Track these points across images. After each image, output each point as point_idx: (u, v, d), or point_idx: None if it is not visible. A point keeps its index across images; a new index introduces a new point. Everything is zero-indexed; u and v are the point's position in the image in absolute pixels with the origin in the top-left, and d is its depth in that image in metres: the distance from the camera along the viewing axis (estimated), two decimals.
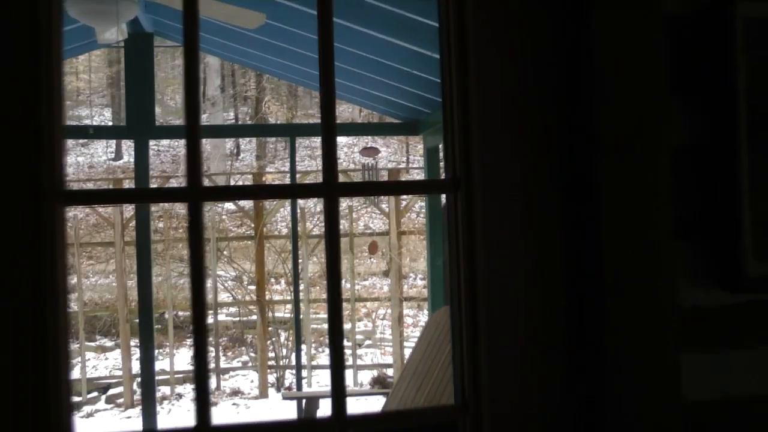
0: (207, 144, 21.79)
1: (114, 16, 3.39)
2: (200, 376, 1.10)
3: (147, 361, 6.18)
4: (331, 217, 1.33)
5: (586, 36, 1.17)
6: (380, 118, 13.70)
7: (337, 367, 1.20)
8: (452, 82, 1.24)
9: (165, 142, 22.57)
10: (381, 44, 4.95)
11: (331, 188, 1.29)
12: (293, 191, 1.34)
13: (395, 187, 1.31)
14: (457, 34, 1.22)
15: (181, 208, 17.89)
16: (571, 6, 1.21)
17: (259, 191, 1.32)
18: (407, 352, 9.11)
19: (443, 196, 7.97)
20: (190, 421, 1.02)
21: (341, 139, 21.27)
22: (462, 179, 1.25)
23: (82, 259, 13.04)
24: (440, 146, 6.91)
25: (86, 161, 22.04)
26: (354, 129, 12.66)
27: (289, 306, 9.92)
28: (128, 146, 17.00)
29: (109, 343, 10.82)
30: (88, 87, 23.87)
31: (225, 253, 10.85)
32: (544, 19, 1.23)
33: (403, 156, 21.33)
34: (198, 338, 1.18)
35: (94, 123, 21.87)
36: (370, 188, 1.35)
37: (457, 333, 1.22)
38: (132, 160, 6.61)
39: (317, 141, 21.47)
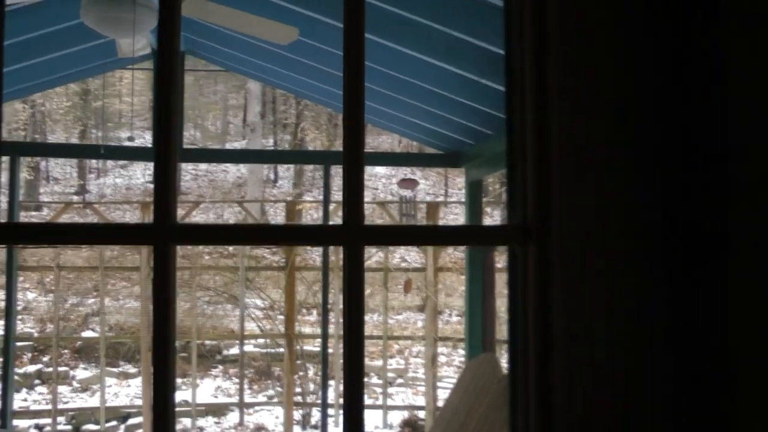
0: (243, 168, 21.67)
1: (130, 25, 3.07)
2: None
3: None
4: (353, 269, 0.96)
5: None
6: (420, 149, 13.36)
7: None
8: (525, 104, 1.00)
9: (203, 166, 22.49)
10: (423, 67, 4.59)
11: (353, 234, 0.94)
12: (301, 234, 0.96)
13: (438, 234, 1.00)
14: (535, 43, 0.98)
15: None
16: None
17: (247, 233, 0.93)
18: (440, 394, 8.68)
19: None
20: None
21: (380, 170, 20.98)
22: (534, 228, 0.98)
23: (110, 279, 12.81)
24: (483, 180, 6.51)
25: (124, 183, 21.99)
26: (391, 159, 12.27)
27: (319, 340, 9.55)
28: None
29: (132, 370, 10.50)
30: (131, 110, 23.91)
31: (254, 282, 10.51)
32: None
33: (442, 189, 20.98)
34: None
35: (134, 145, 21.82)
36: (403, 236, 1.00)
37: (522, 406, 1.01)
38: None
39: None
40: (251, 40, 5.39)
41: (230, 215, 18.05)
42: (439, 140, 6.38)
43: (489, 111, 4.93)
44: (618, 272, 0.96)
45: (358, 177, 1.00)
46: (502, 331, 9.86)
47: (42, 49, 5.32)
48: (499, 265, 6.98)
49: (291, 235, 1.00)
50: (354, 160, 1.00)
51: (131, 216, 16.87)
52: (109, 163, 22.29)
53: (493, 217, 17.36)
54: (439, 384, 8.89)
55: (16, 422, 8.26)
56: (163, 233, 0.98)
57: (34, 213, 17.24)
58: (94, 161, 22.09)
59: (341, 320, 9.78)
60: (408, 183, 8.66)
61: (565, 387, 0.95)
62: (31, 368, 10.33)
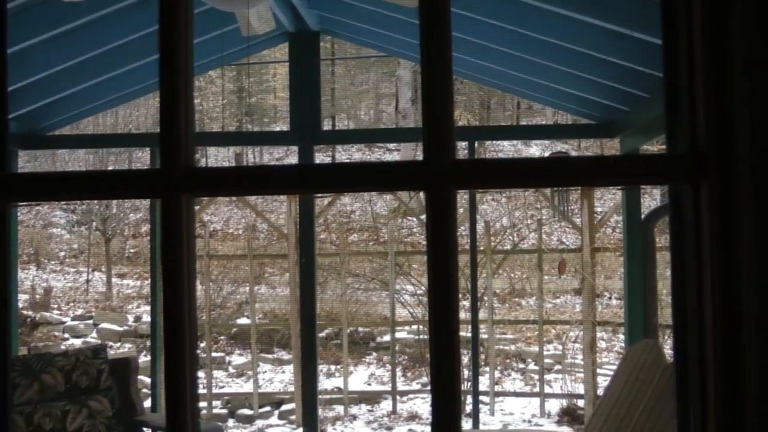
0: (397, 155, 21.62)
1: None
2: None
3: (309, 378, 5.69)
4: (438, 222, 0.69)
5: None
6: (574, 122, 12.79)
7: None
8: None
9: (356, 155, 22.60)
10: (569, 25, 4.20)
11: (438, 173, 0.67)
12: (362, 176, 0.67)
13: (556, 171, 0.74)
14: None
15: (357, 221, 17.73)
16: None
17: (286, 177, 0.66)
18: (600, 381, 8.21)
19: (645, 207, 7.06)
20: None
21: (534, 150, 20.41)
22: (710, 156, 0.71)
23: (259, 267, 12.99)
24: (640, 150, 6.02)
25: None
26: (541, 131, 11.74)
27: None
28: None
29: (286, 356, 10.56)
30: (285, 105, 24.35)
31: (404, 268, 10.33)
32: None
33: None
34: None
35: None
36: (508, 173, 0.72)
37: (697, 394, 0.76)
38: None
39: (509, 147, 20.74)
40: (386, 12, 5.16)
41: (384, 203, 18.01)
42: (591, 109, 5.94)
43: (643, 70, 4.47)
44: None
45: (445, 90, 0.71)
46: (664, 315, 9.26)
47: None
48: (659, 244, 6.46)
49: (348, 177, 0.72)
50: (439, 64, 0.71)
51: (281, 206, 17.10)
52: (266, 156, 22.80)
53: (653, 195, 16.51)
54: (598, 371, 8.42)
55: None
56: (170, 183, 0.72)
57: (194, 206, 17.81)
58: (251, 156, 22.64)
59: (495, 304, 9.47)
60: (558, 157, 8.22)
61: (759, 370, 0.69)
62: None
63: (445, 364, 0.69)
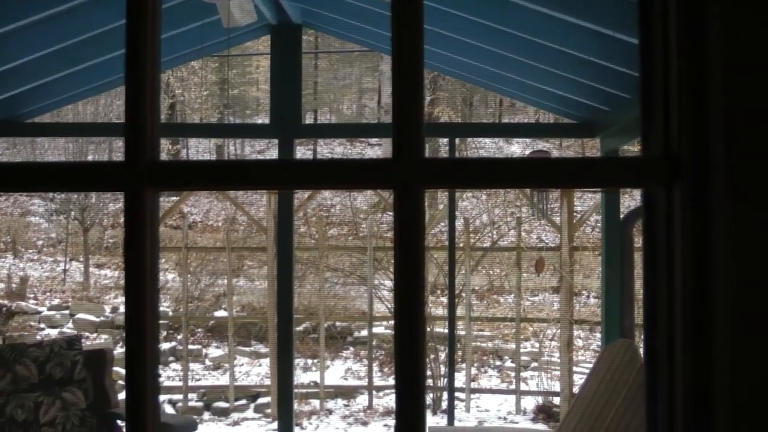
0: (379, 150, 21.61)
1: None
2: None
3: (285, 372, 5.67)
4: (406, 222, 0.68)
5: None
6: (554, 119, 12.83)
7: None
8: None
9: (339, 149, 22.54)
10: (552, 25, 4.20)
11: (406, 171, 0.67)
12: (331, 173, 0.66)
13: (529, 171, 0.72)
14: None
15: (337, 215, 17.70)
16: None
17: (255, 171, 0.65)
18: (576, 379, 8.24)
19: (624, 207, 7.08)
20: None
21: (515, 149, 20.46)
22: (684, 159, 0.71)
23: (238, 260, 12.94)
24: (619, 150, 6.04)
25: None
26: (523, 130, 11.76)
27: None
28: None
29: (263, 350, 10.54)
30: (267, 97, 24.27)
31: (383, 263, 10.31)
32: None
33: None
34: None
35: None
36: (479, 173, 0.71)
37: (665, 396, 0.75)
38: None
39: (491, 145, 20.77)
40: (369, 6, 5.15)
41: (365, 198, 17.99)
42: (573, 108, 5.95)
43: (624, 71, 4.48)
44: None
45: (415, 86, 0.70)
46: (641, 315, 9.30)
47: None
48: (638, 245, 6.49)
49: (314, 175, 0.71)
50: (409, 58, 0.71)
51: (262, 199, 17.05)
52: (247, 148, 22.71)
53: (633, 196, 16.59)
54: (575, 369, 8.45)
55: None
56: (134, 176, 0.70)
57: (173, 197, 17.70)
58: (232, 149, 22.55)
59: (473, 301, 9.47)
60: (539, 155, 8.23)
61: (729, 369, 0.70)
62: (166, 345, 10.54)
63: (410, 368, 0.69)
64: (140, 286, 0.70)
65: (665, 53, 0.73)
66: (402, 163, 0.67)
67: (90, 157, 17.45)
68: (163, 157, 20.17)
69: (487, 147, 20.74)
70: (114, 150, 18.95)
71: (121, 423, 5.27)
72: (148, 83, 0.71)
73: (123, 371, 5.11)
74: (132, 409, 0.71)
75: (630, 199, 15.08)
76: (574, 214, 8.85)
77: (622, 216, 6.17)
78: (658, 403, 0.77)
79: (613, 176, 0.76)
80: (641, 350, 4.54)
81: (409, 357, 0.68)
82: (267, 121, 18.42)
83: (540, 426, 8.33)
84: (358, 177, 0.69)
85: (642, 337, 7.22)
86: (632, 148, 11.53)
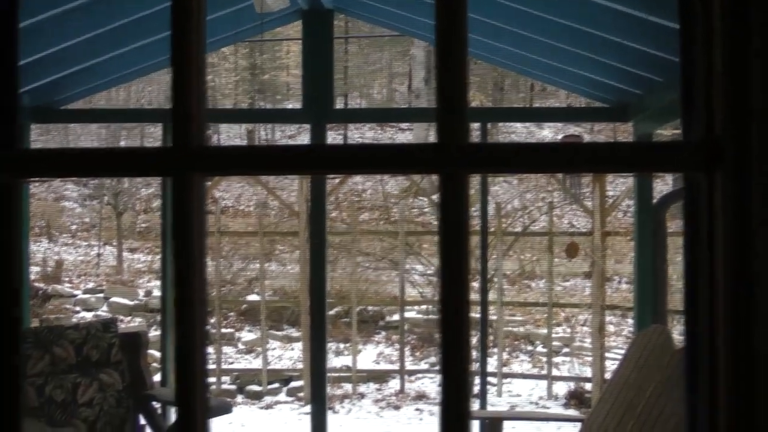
0: (410, 135, 21.57)
1: None
2: None
3: (318, 356, 5.71)
4: (451, 208, 0.69)
5: None
6: (585, 104, 12.71)
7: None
8: None
9: (369, 133, 22.54)
10: (585, 8, 4.17)
11: (450, 156, 0.68)
12: (373, 158, 0.67)
13: (571, 157, 0.72)
14: None
15: (367, 200, 17.70)
16: None
17: (300, 157, 0.66)
18: (608, 365, 8.21)
19: (658, 190, 7.01)
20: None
21: (546, 133, 20.32)
22: (727, 144, 0.69)
23: (269, 244, 13.01)
24: (652, 135, 5.98)
25: None
26: (554, 114, 11.63)
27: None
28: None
29: (295, 334, 10.61)
30: (297, 82, 24.30)
31: (414, 247, 10.33)
32: None
33: None
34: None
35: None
36: (521, 158, 0.72)
37: (707, 382, 0.75)
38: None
39: (522, 129, 20.66)
40: None
41: (396, 182, 17.99)
42: (605, 92, 5.90)
43: (658, 54, 4.44)
44: None
45: (460, 70, 0.71)
46: (674, 300, 9.23)
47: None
48: (671, 229, 6.44)
49: (360, 159, 0.72)
50: (454, 42, 0.71)
51: (293, 184, 17.11)
52: (278, 134, 22.77)
53: (665, 180, 16.44)
54: (607, 355, 8.42)
55: None
56: (182, 160, 0.72)
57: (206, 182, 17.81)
58: (263, 134, 22.63)
59: (505, 286, 9.46)
60: (571, 139, 8.18)
61: None
62: None
63: (455, 353, 0.70)
64: (189, 270, 0.72)
65: (708, 32, 0.73)
66: (446, 148, 0.68)
67: (123, 143, 17.61)
68: None
69: (518, 132, 20.65)
70: (146, 135, 19.11)
71: (156, 404, 5.34)
72: (195, 68, 0.73)
73: (158, 354, 5.21)
74: (182, 394, 0.73)
75: (663, 184, 14.95)
76: (606, 198, 8.79)
77: (654, 200, 6.12)
78: (699, 389, 0.77)
79: (655, 162, 0.76)
80: (675, 336, 4.52)
81: (453, 344, 0.69)
82: (297, 106, 18.35)
83: (572, 411, 8.32)
84: (406, 162, 0.70)
85: (674, 322, 7.16)
86: (665, 132, 11.41)
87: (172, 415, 5.82)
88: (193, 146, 0.72)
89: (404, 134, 22.05)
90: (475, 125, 6.22)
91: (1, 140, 0.94)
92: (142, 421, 5.28)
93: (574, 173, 6.71)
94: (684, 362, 0.88)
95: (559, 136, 16.79)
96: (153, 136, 18.94)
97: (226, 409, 5.04)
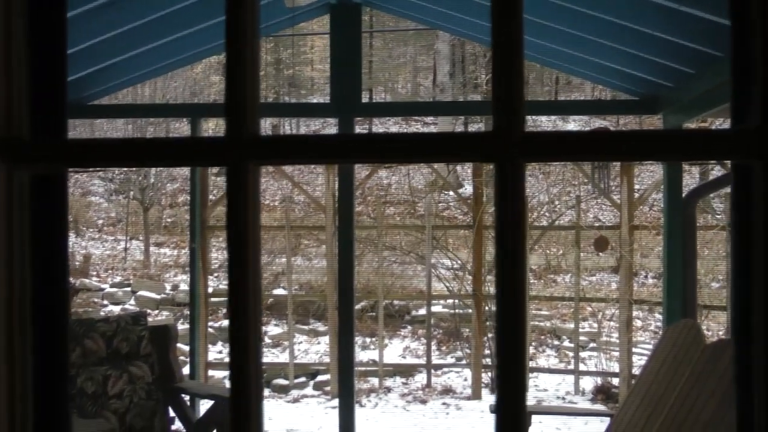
0: (433, 129, 21.53)
1: None
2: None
3: (346, 350, 5.72)
4: (505, 194, 0.69)
5: None
6: (613, 98, 12.63)
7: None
8: None
9: (394, 128, 22.53)
10: None
11: (507, 144, 0.67)
12: (430, 146, 0.67)
13: (627, 144, 0.73)
14: None
15: (398, 194, 17.69)
16: None
17: (356, 144, 0.66)
18: (635, 360, 8.16)
19: (686, 184, 6.93)
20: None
21: (571, 126, 20.20)
22: None
23: (295, 239, 13.04)
24: (683, 126, 5.92)
25: None
26: (581, 107, 11.57)
27: None
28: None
29: (322, 328, 10.64)
30: (322, 77, 24.34)
31: (441, 242, 10.31)
32: None
33: None
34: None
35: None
36: (579, 146, 0.71)
37: (763, 383, 0.72)
38: None
39: (547, 123, 20.56)
40: None
41: (421, 176, 17.98)
42: (633, 84, 5.86)
43: (689, 45, 4.39)
44: None
45: (516, 58, 0.70)
46: (702, 295, 9.15)
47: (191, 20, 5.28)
48: (701, 222, 6.38)
49: (415, 147, 0.71)
50: (511, 31, 0.71)
51: (318, 178, 17.16)
52: (303, 128, 22.82)
53: (692, 173, 16.31)
54: (634, 350, 8.37)
55: (212, 372, 8.54)
56: (236, 150, 0.72)
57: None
58: (288, 128, 22.69)
59: (531, 280, 9.42)
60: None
61: None
62: (226, 323, 10.69)
63: (512, 348, 0.69)
64: (245, 260, 0.72)
65: (764, 18, 0.72)
66: (503, 137, 0.67)
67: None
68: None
69: (543, 125, 20.55)
70: (171, 131, 19.21)
71: (185, 396, 5.38)
72: (249, 57, 0.73)
73: (185, 347, 5.25)
74: (236, 392, 0.73)
75: (689, 177, 14.82)
76: (634, 192, 8.72)
77: (684, 194, 6.06)
78: (752, 386, 0.76)
79: (709, 149, 0.75)
80: (704, 330, 4.48)
81: (510, 336, 0.69)
82: (321, 100, 18.40)
83: (599, 406, 8.28)
84: (462, 150, 0.70)
85: (702, 317, 7.10)
86: (691, 125, 11.30)
87: (201, 408, 5.86)
88: (247, 135, 0.73)
89: (429, 128, 22.04)
90: None
91: (52, 130, 0.94)
92: (172, 413, 5.32)
93: (633, 161, 6.69)
94: (734, 359, 0.87)
95: (587, 129, 16.68)
96: (179, 131, 19.04)
97: None
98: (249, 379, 0.72)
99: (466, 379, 9.27)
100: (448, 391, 9.03)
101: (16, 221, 0.84)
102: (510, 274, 0.69)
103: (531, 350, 9.55)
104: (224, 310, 11.11)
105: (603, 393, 8.58)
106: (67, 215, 1.00)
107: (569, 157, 0.70)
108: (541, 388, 9.02)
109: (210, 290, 8.38)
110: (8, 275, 0.83)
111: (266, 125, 22.57)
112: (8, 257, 0.82)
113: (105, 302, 12.10)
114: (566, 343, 10.33)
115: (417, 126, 22.40)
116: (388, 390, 9.07)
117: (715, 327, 9.83)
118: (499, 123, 0.68)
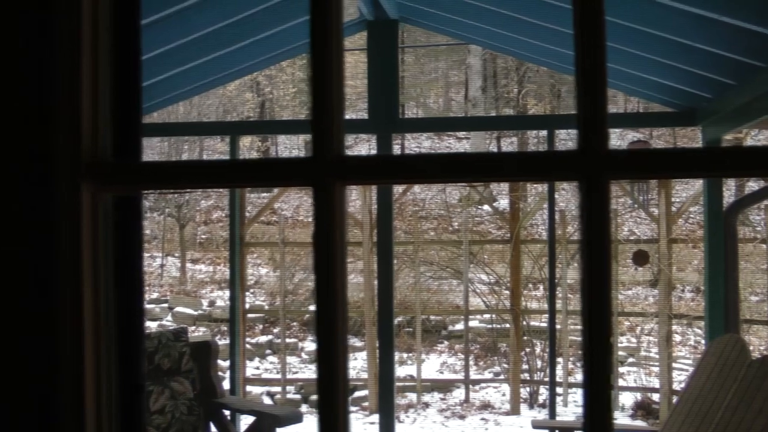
0: (467, 144, 21.52)
1: None
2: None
3: (386, 366, 5.73)
4: (594, 211, 0.70)
5: None
6: (647, 109, 12.53)
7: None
8: None
9: (426, 143, 22.55)
10: (650, 9, 4.12)
11: (593, 162, 0.68)
12: (515, 165, 0.67)
13: (717, 159, 0.74)
14: None
15: (432, 209, 17.67)
16: None
17: (437, 164, 0.67)
18: (675, 376, 8.07)
19: (726, 198, 6.86)
20: None
21: None
22: None
23: None
24: (722, 140, 5.87)
25: None
26: (617, 120, 11.46)
27: (546, 315, 9.19)
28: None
29: (358, 344, 10.64)
30: (355, 93, 24.46)
31: (478, 257, 10.29)
32: None
33: None
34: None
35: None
36: (668, 162, 0.72)
37: None
38: None
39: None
40: (471, 1, 5.14)
41: (455, 190, 17.96)
42: (671, 96, 5.82)
43: (730, 56, 4.36)
44: None
45: (600, 77, 0.71)
46: (741, 309, 9.03)
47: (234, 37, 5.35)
48: (740, 235, 6.31)
49: (497, 167, 0.73)
50: (595, 51, 0.71)
51: (353, 194, 17.20)
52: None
53: (729, 186, 16.11)
54: (673, 365, 8.28)
55: (249, 388, 8.58)
56: (323, 170, 0.73)
57: (264, 194, 17.98)
58: None
59: (569, 295, 9.36)
60: (638, 146, 8.06)
61: None
62: (263, 339, 10.75)
63: (598, 360, 0.70)
64: (331, 278, 0.73)
65: None
66: (589, 155, 0.68)
67: (185, 156, 17.89)
68: (254, 154, 20.55)
69: (574, 139, 20.46)
70: (205, 149, 19.37)
71: (226, 412, 5.41)
72: (335, 79, 0.74)
73: (224, 363, 5.27)
74: (325, 404, 0.74)
75: (726, 190, 14.65)
76: (672, 206, 8.66)
77: (724, 207, 6.01)
78: None
79: None
80: (750, 345, 4.42)
81: (597, 352, 0.69)
82: (356, 116, 18.38)
83: (639, 423, 8.19)
84: (545, 169, 0.71)
85: (745, 333, 6.98)
86: (727, 137, 11.18)
87: (242, 424, 5.88)
88: (333, 155, 0.74)
89: (461, 143, 22.02)
90: (543, 132, 6.16)
91: (131, 152, 0.97)
92: (213, 428, 5.35)
93: (717, 177, 6.58)
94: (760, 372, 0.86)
95: (619, 142, 16.58)
96: (212, 149, 19.17)
97: (297, 419, 5.08)
98: (338, 394, 0.74)
99: (504, 395, 9.22)
100: (486, 406, 8.99)
101: (101, 241, 0.86)
102: (597, 291, 0.69)
103: (570, 365, 9.47)
104: (261, 326, 11.16)
105: (643, 409, 8.49)
106: (143, 234, 1.02)
107: (656, 174, 0.70)
108: (579, 403, 8.93)
109: (246, 306, 8.41)
110: (94, 294, 0.85)
111: (299, 142, 22.70)
112: (95, 277, 0.84)
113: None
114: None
115: (449, 141, 22.40)
116: (427, 405, 9.04)
117: (756, 342, 9.69)
118: (585, 141, 0.69)
